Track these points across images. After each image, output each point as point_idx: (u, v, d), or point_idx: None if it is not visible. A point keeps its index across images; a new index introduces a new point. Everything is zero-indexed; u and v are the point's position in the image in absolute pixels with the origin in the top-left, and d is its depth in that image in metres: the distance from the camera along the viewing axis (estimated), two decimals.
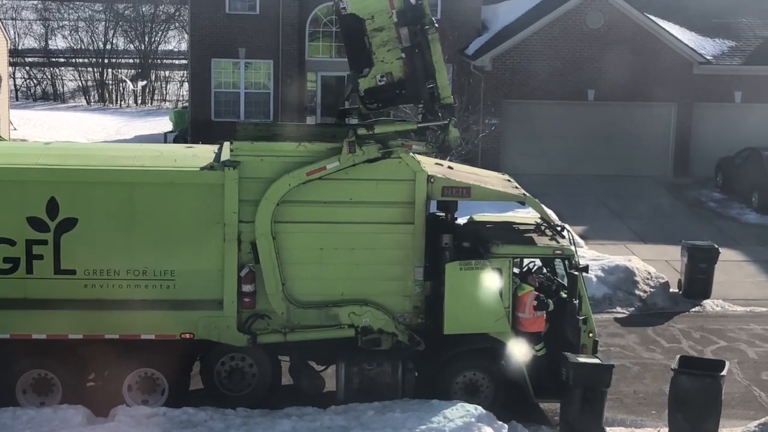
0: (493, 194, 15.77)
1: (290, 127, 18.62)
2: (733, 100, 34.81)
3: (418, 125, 15.51)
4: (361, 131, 15.14)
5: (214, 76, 36.77)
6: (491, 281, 15.10)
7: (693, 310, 21.74)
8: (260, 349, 15.36)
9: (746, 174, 31.58)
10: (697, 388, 14.59)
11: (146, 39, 56.37)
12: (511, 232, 16.11)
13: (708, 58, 34.35)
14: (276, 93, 36.54)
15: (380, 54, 15.21)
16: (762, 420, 15.54)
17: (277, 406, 15.05)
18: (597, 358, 15.15)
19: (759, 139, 34.00)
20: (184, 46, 54.67)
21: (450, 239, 15.43)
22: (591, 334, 15.54)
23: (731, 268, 24.30)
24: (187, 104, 41.91)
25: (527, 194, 16.05)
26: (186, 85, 47.20)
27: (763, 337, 20.10)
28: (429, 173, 15.21)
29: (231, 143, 15.27)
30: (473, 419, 14.10)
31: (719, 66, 34.47)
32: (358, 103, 15.76)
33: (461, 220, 16.62)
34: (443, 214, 15.98)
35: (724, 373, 14.75)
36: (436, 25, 15.23)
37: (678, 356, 15.38)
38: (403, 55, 15.23)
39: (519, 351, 15.29)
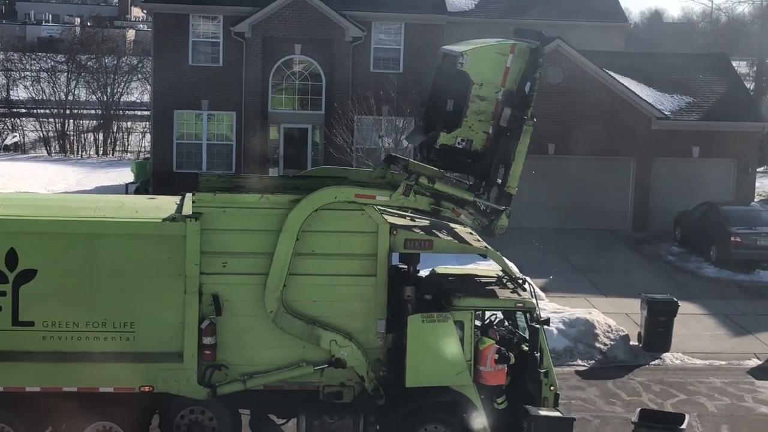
0: (455, 247, 15.85)
1: (253, 178, 18.65)
2: (690, 155, 35.31)
3: (475, 199, 15.58)
4: (423, 180, 15.21)
5: (177, 127, 36.77)
6: (453, 334, 15.12)
7: (653, 363, 21.85)
8: (220, 402, 15.23)
9: (704, 228, 31.95)
10: None
11: (108, 90, 56.31)
12: (473, 285, 16.17)
13: (666, 113, 34.89)
14: (239, 145, 36.60)
15: (471, 120, 15.36)
16: None
17: None
18: (558, 411, 15.17)
19: (716, 194, 34.51)
20: (146, 98, 54.66)
21: (412, 292, 15.46)
22: (552, 387, 15.56)
23: (690, 321, 24.49)
24: (148, 155, 41.84)
25: (489, 247, 16.14)
26: (148, 136, 47.12)
27: (723, 390, 20.22)
28: (392, 225, 15.27)
29: (193, 194, 15.26)
30: None
31: (677, 121, 35.01)
32: (418, 153, 15.89)
33: (423, 273, 16.67)
34: (405, 266, 16.03)
35: (684, 426, 14.83)
36: (535, 120, 15.44)
37: (638, 409, 15.46)
38: (490, 131, 15.42)
39: (480, 404, 15.29)
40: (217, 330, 14.91)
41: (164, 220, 14.95)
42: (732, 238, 30.35)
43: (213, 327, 14.88)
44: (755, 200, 37.35)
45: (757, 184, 38.34)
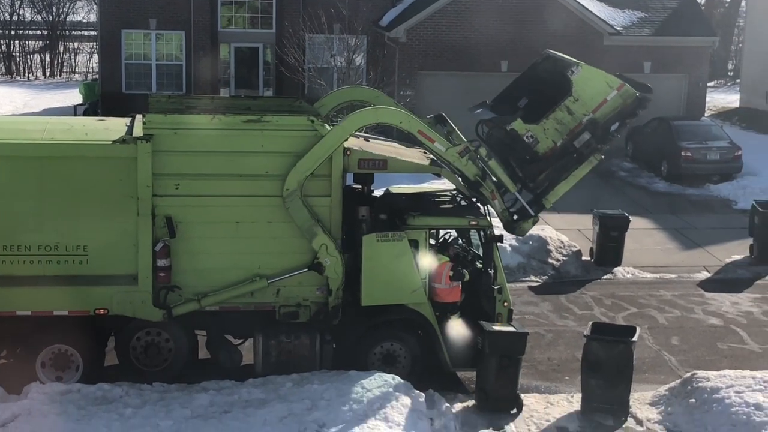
0: (409, 166, 15.84)
1: (204, 99, 18.45)
2: (642, 70, 35.33)
3: (516, 192, 15.80)
4: (482, 151, 15.41)
5: (125, 47, 36.13)
6: (408, 253, 15.19)
7: (604, 277, 22.14)
8: (176, 323, 15.25)
9: (655, 144, 32.18)
10: (609, 354, 14.89)
11: (54, 10, 55.08)
12: (427, 204, 16.20)
13: (618, 29, 34.83)
14: (188, 65, 36.07)
15: (549, 124, 15.76)
16: (672, 384, 15.96)
17: (195, 381, 14.97)
18: (512, 326, 15.36)
19: (668, 110, 34.65)
20: (93, 17, 53.61)
21: (367, 211, 15.47)
22: (506, 303, 15.73)
23: (641, 236, 24.80)
24: (97, 76, 41.18)
25: (444, 166, 16.15)
26: (96, 57, 46.31)
27: (673, 303, 20.57)
28: (345, 146, 15.20)
29: (144, 116, 15.06)
30: (391, 389, 14.21)
31: (629, 37, 34.97)
32: (479, 126, 16.43)
33: (378, 192, 16.67)
34: (360, 186, 16.01)
35: (635, 338, 15.06)
36: (603, 157, 16.00)
37: (590, 323, 15.67)
38: (559, 144, 15.80)
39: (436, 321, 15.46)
40: (172, 252, 14.86)
41: (115, 142, 14.76)
42: (682, 153, 30.64)
43: (167, 249, 14.82)
44: (705, 115, 37.60)
45: (707, 99, 38.56)
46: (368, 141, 16.25)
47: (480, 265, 16.09)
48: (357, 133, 16.54)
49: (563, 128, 15.91)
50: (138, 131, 14.92)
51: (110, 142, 14.75)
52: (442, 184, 17.77)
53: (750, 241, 23.64)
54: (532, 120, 15.92)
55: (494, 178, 15.72)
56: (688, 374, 15.91)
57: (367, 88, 17.92)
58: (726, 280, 22.18)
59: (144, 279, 14.83)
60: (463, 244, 16.83)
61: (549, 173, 15.98)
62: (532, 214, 15.92)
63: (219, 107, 16.12)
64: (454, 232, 16.83)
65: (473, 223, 15.74)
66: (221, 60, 36.59)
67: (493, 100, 17.42)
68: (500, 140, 16.12)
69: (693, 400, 15.07)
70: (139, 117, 15.49)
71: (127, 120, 16.06)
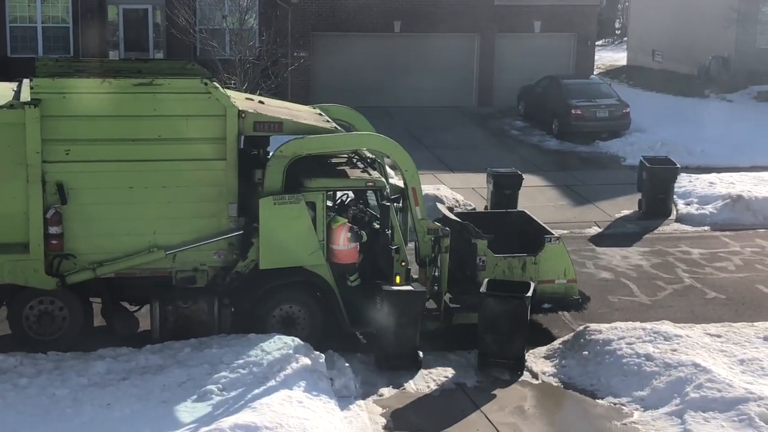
0: (305, 128, 15.79)
1: (93, 62, 18.06)
2: (532, 30, 35.80)
3: (446, 294, 16.21)
4: (445, 242, 16.04)
5: (9, 10, 35.10)
6: (305, 215, 15.19)
7: None
8: (70, 291, 15.01)
9: (546, 102, 32.66)
10: (504, 310, 15.16)
11: None
12: (323, 166, 16.20)
13: None
14: (76, 28, 35.21)
15: (502, 263, 16.56)
16: (565, 337, 16.34)
17: (91, 349, 14.78)
18: (410, 286, 15.51)
19: (557, 68, 35.24)
20: None
21: (263, 174, 15.39)
22: (403, 263, 15.86)
23: (534, 193, 25.19)
24: None
25: (338, 128, 16.16)
26: None
27: None
28: (240, 108, 15.08)
29: (31, 80, 14.70)
30: (290, 351, 14.25)
31: None
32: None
33: None
34: (256, 149, 15.91)
35: (529, 294, 15.36)
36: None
37: (486, 279, 15.91)
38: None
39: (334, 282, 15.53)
40: (64, 219, 14.60)
41: (1, 107, 14.40)
42: (572, 111, 31.18)
43: (59, 216, 14.56)
44: (594, 73, 38.30)
45: (596, 57, 39.23)
46: (263, 103, 16.15)
47: (377, 226, 16.19)
48: (251, 96, 16.44)
49: (509, 276, 16.51)
50: (25, 96, 14.57)
51: None
52: None
53: (638, 196, 24.26)
54: (492, 250, 16.54)
55: (436, 270, 16.16)
56: (581, 327, 16.29)
57: (354, 112, 17.88)
58: (616, 235, 22.72)
59: (36, 247, 14.55)
60: (361, 205, 16.90)
61: (473, 299, 16.24)
62: (441, 319, 16.22)
63: (109, 70, 15.83)
64: (351, 194, 16.87)
65: (370, 184, 15.80)
66: (109, 22, 35.81)
67: (459, 214, 18.28)
68: (453, 246, 16.44)
69: (586, 352, 15.46)
70: (26, 81, 15.13)
71: (14, 85, 15.70)
